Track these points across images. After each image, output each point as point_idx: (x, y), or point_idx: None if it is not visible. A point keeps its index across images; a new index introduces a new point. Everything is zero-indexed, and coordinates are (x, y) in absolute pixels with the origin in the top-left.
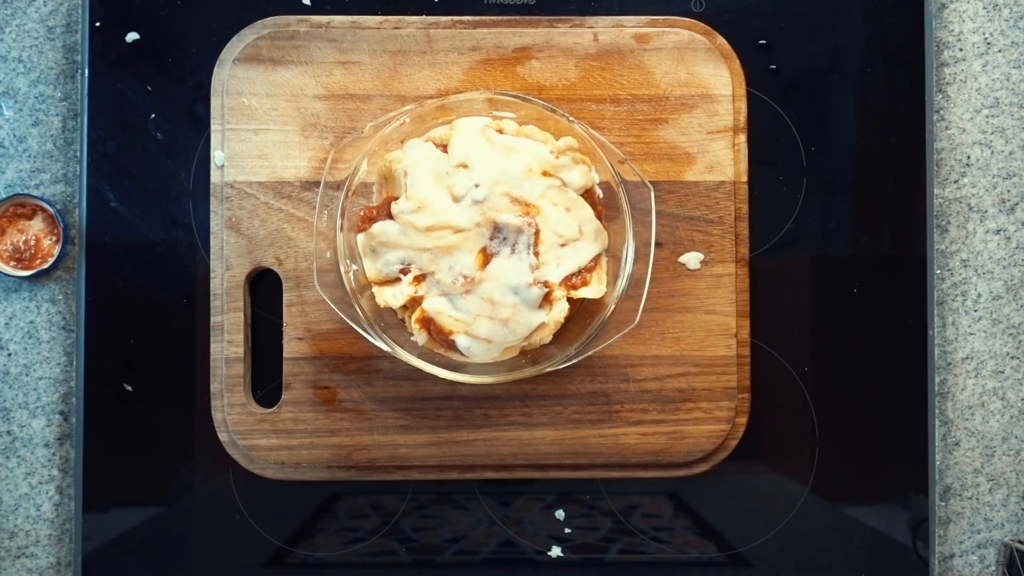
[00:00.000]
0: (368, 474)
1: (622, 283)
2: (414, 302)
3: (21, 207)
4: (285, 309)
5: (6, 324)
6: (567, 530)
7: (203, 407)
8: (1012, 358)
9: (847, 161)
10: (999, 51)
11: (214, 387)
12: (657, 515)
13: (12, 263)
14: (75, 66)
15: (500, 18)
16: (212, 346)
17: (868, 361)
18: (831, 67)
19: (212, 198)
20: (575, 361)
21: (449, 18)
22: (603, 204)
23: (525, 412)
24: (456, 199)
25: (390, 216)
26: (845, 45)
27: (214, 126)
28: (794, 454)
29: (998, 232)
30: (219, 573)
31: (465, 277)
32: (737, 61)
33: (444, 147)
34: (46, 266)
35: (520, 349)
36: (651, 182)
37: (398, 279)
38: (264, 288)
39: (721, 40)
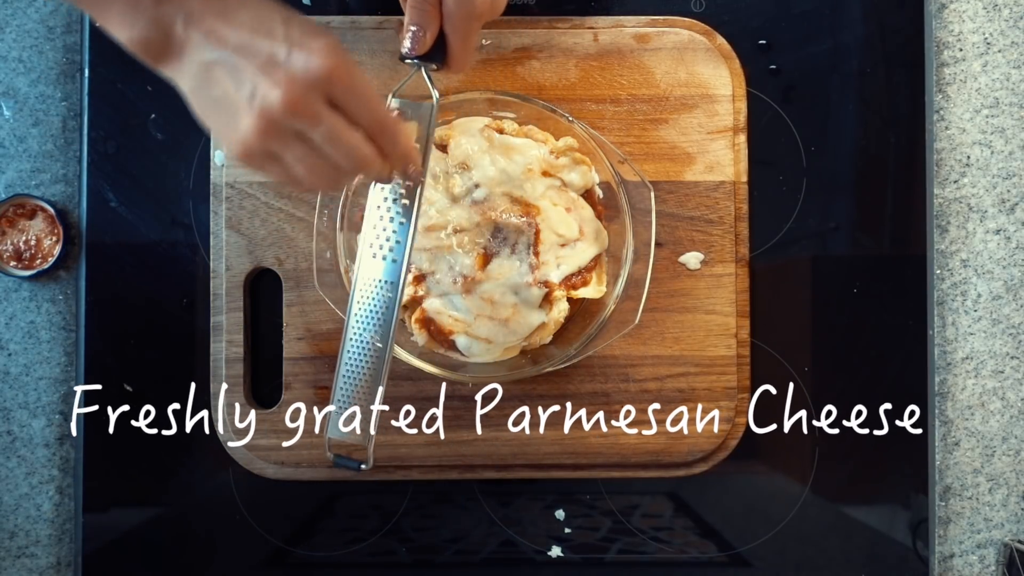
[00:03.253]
0: (368, 474)
1: (622, 283)
2: (414, 302)
3: (21, 207)
4: (285, 309)
5: (6, 324)
6: (567, 530)
7: (203, 407)
8: (1012, 358)
9: (847, 161)
10: (999, 51)
11: (214, 387)
12: (657, 515)
13: (12, 263)
14: (75, 66)
15: (500, 18)
16: (212, 346)
17: (868, 361)
18: (831, 67)
19: (212, 198)
20: (575, 361)
21: None
22: (603, 204)
23: (525, 412)
24: (456, 199)
25: None
26: (845, 45)
27: None
28: (794, 454)
29: (998, 232)
30: (219, 573)
31: (465, 277)
32: (737, 61)
33: (444, 147)
34: (46, 266)
35: (520, 349)
36: (651, 182)
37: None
38: (264, 288)
39: (721, 40)
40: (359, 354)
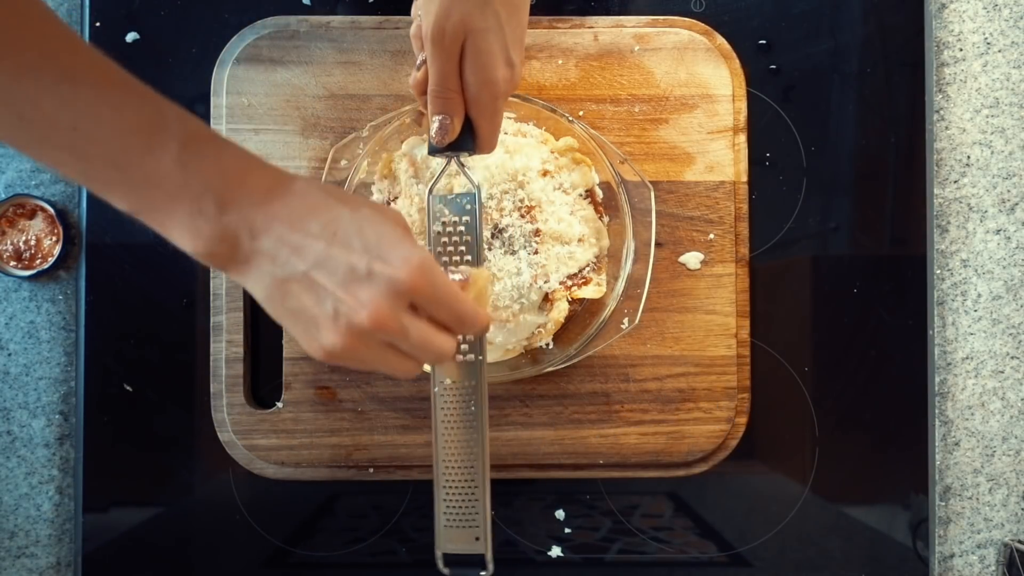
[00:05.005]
0: (368, 474)
1: (622, 283)
2: None
3: (21, 207)
4: None
5: (6, 324)
6: (567, 530)
7: (203, 407)
8: (1012, 358)
9: (847, 161)
10: (999, 51)
11: (214, 387)
12: (657, 515)
13: (12, 263)
14: None
15: None
16: (212, 346)
17: (868, 361)
18: (831, 67)
19: None
20: (575, 361)
21: None
22: (603, 204)
23: (525, 412)
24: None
25: None
26: (845, 45)
27: (214, 126)
28: (794, 454)
29: (998, 232)
30: (219, 573)
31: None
32: (737, 61)
33: None
34: (46, 266)
35: (520, 349)
36: (651, 182)
37: None
38: None
39: (721, 40)
40: (455, 466)
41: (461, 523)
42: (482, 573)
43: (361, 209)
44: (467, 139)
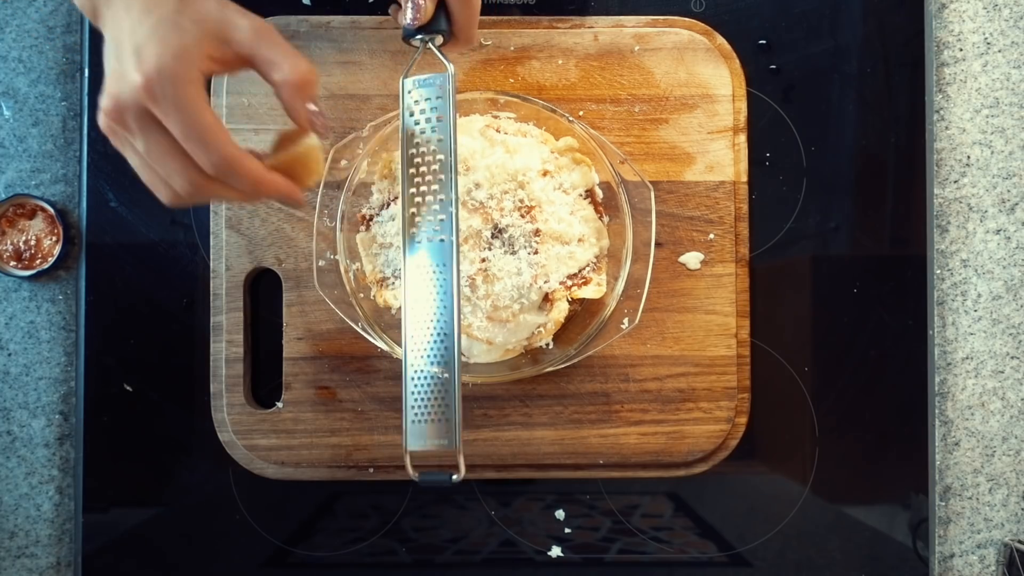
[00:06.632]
0: (368, 474)
1: (622, 283)
2: None
3: (21, 207)
4: (285, 309)
5: (6, 324)
6: (567, 530)
7: (203, 407)
8: (1012, 358)
9: (847, 161)
10: (999, 51)
11: (214, 387)
12: (657, 515)
13: (12, 263)
14: (75, 66)
15: (500, 18)
16: (212, 346)
17: (868, 361)
18: (831, 67)
19: None
20: (575, 361)
21: None
22: (603, 204)
23: (525, 412)
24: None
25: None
26: (845, 45)
27: None
28: (794, 454)
29: (998, 232)
30: (219, 573)
31: (466, 278)
32: (737, 61)
33: None
34: (46, 266)
35: (520, 349)
36: (651, 182)
37: (398, 279)
38: (264, 288)
39: (721, 40)
40: (423, 360)
41: (431, 418)
42: (454, 476)
43: (188, 8)
44: (441, 21)
